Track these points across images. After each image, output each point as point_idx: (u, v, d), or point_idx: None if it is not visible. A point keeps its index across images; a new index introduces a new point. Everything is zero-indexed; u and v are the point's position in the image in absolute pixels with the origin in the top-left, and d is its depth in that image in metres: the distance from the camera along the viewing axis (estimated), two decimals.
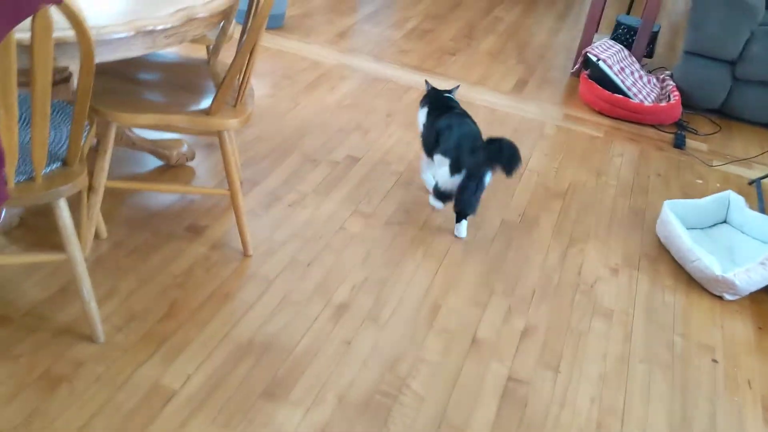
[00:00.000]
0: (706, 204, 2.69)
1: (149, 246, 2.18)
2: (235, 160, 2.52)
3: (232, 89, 1.95)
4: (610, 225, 2.69)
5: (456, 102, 2.62)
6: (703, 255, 2.36)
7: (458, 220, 2.46)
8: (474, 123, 2.46)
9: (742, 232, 2.66)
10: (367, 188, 2.67)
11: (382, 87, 3.53)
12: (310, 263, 2.22)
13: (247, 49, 1.86)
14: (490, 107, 3.50)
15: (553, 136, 3.32)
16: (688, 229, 2.65)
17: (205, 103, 2.02)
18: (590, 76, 3.67)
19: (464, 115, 2.50)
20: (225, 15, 1.83)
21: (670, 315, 2.27)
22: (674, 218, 2.52)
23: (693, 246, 2.40)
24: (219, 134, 2.03)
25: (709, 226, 2.71)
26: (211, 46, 2.40)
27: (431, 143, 2.50)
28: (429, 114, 2.57)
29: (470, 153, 2.33)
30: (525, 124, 3.39)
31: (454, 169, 2.35)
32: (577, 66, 3.77)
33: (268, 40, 3.84)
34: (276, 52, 3.71)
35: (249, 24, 1.82)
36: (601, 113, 3.60)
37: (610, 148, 3.29)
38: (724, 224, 2.72)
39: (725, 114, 3.77)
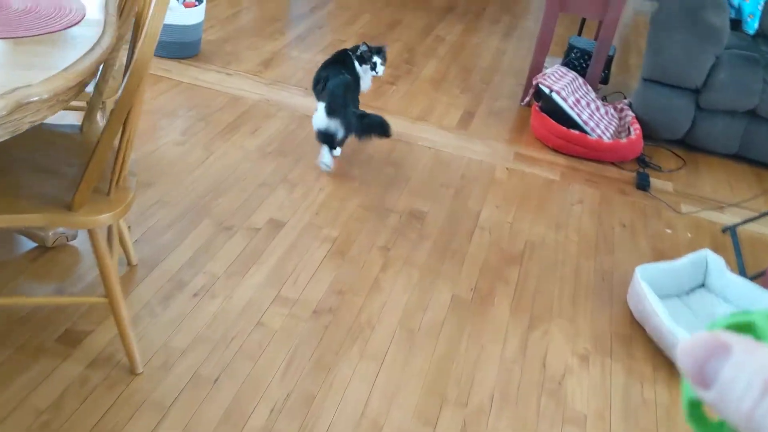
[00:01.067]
0: (682, 267, 2.35)
1: (10, 368, 1.71)
2: (121, 240, 2.06)
3: (101, 173, 1.51)
4: (574, 296, 2.33)
5: (350, 59, 2.85)
6: (684, 339, 2.01)
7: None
8: (348, 73, 2.75)
9: (724, 300, 2.34)
10: (294, 263, 2.24)
11: (310, 126, 3.10)
12: (217, 378, 1.79)
13: (119, 118, 1.42)
14: (435, 149, 3.11)
15: (504, 181, 2.95)
16: (663, 296, 2.31)
17: (70, 193, 1.57)
18: (542, 109, 3.32)
19: (344, 69, 2.78)
20: (82, 85, 1.39)
21: (652, 416, 1.91)
22: (648, 290, 2.17)
23: (673, 327, 2.05)
24: (89, 232, 1.59)
25: (686, 292, 2.38)
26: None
27: (317, 91, 2.79)
28: (324, 65, 2.85)
29: (342, 103, 2.65)
30: (473, 168, 3.01)
31: (329, 112, 2.66)
32: (528, 98, 3.42)
33: (181, 72, 3.37)
34: (188, 87, 3.24)
35: (124, 83, 1.38)
36: (556, 150, 3.25)
37: (568, 193, 2.94)
38: (703, 289, 2.40)
39: (689, 145, 3.47)
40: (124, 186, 1.63)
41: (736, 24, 3.62)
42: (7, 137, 1.24)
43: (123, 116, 1.43)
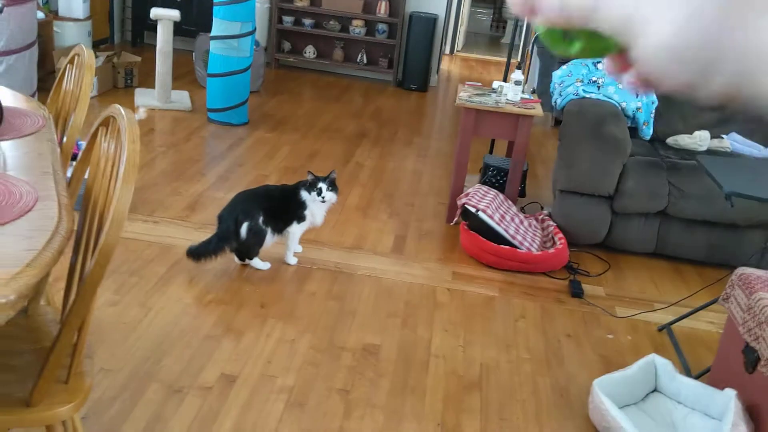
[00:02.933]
0: (634, 374, 2.42)
1: None
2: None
3: (61, 364, 1.42)
4: (538, 418, 2.33)
5: (288, 191, 3.07)
6: None
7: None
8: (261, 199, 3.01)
9: (679, 402, 2.40)
10: (252, 422, 2.15)
11: (248, 268, 3.06)
12: None
13: (83, 305, 1.36)
14: (375, 276, 3.13)
15: (447, 303, 2.98)
16: (621, 406, 2.35)
17: (23, 385, 1.46)
18: (470, 227, 3.43)
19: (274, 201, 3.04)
20: (46, 278, 1.32)
21: None
22: (609, 404, 2.21)
23: None
24: (48, 429, 1.47)
25: (642, 399, 2.44)
26: None
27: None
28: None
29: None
30: (415, 292, 3.04)
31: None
32: (456, 219, 3.53)
33: None
34: None
35: (90, 267, 1.33)
36: (489, 266, 3.34)
37: (509, 309, 3.00)
38: (656, 393, 2.46)
39: (610, 248, 3.65)
40: (81, 371, 1.54)
41: (633, 131, 3.92)
42: None
43: (87, 304, 1.37)
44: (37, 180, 1.60)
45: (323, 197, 2.98)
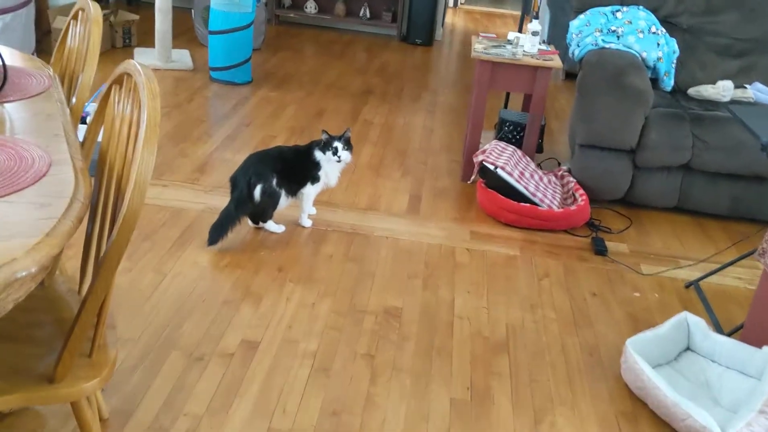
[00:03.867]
0: (666, 333, 2.35)
1: None
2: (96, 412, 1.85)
3: (85, 337, 1.34)
4: (569, 379, 2.27)
5: (301, 152, 2.96)
6: (693, 411, 1.98)
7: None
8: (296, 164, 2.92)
9: (713, 361, 2.34)
10: (278, 389, 2.09)
11: (262, 231, 2.98)
12: None
13: (107, 276, 1.27)
14: (392, 237, 3.04)
15: (467, 264, 2.91)
16: (654, 366, 2.29)
17: (46, 360, 1.39)
18: (488, 185, 3.33)
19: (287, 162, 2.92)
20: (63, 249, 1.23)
21: None
22: (644, 364, 2.14)
23: (677, 399, 2.02)
24: (73, 404, 1.40)
25: (674, 358, 2.37)
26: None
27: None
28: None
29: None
30: (434, 253, 2.96)
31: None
32: (473, 177, 3.42)
33: None
34: None
35: (113, 238, 1.24)
36: (508, 225, 3.25)
37: (532, 268, 2.93)
38: (689, 352, 2.40)
39: (631, 203, 3.56)
40: (105, 343, 1.46)
41: (653, 82, 3.79)
42: None
43: (112, 274, 1.28)
44: (49, 143, 1.50)
45: (339, 157, 2.88)
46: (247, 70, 4.89)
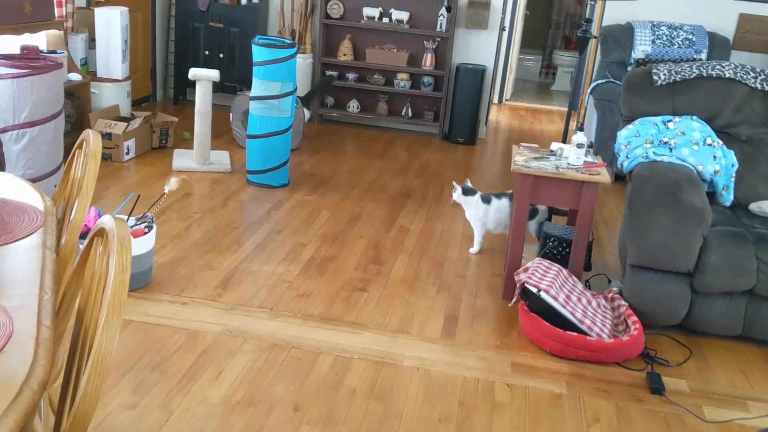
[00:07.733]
0: None
1: None
2: None
3: None
4: None
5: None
6: None
7: None
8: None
9: None
10: None
11: (282, 359, 2.75)
12: None
13: None
14: (423, 369, 2.78)
15: (508, 404, 2.61)
16: None
17: None
18: (531, 309, 3.06)
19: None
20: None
21: None
22: None
23: None
24: None
25: None
26: None
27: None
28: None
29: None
30: (470, 389, 2.67)
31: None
32: (514, 299, 3.16)
33: (129, 309, 3.02)
34: (138, 326, 2.88)
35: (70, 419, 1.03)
36: (553, 354, 2.96)
37: (580, 409, 2.61)
38: None
39: (689, 330, 3.23)
40: None
41: (710, 197, 3.52)
42: None
43: None
44: (19, 305, 1.32)
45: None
46: (284, 173, 4.80)
